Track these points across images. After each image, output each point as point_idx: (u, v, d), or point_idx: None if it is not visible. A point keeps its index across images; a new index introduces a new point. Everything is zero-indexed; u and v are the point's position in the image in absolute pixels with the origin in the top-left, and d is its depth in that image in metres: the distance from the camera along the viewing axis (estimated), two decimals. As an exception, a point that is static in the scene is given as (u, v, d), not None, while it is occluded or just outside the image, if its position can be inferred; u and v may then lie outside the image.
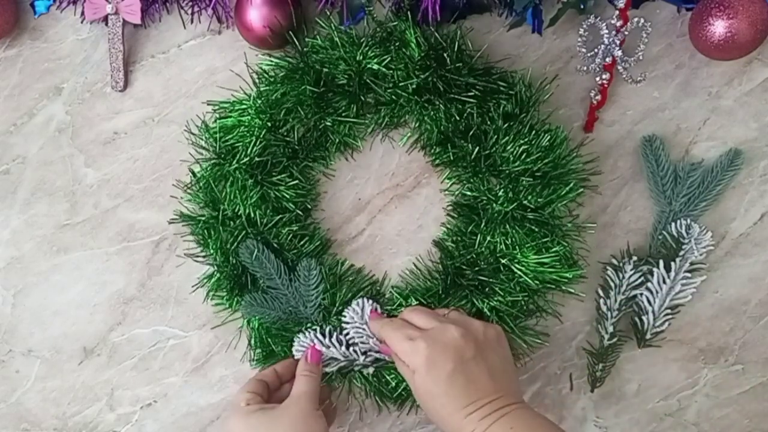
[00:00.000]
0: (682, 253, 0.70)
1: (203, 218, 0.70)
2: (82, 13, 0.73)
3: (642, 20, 0.66)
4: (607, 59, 0.68)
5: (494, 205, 0.67)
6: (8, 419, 0.78)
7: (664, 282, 0.70)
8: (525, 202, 0.66)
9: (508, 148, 0.66)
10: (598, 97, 0.70)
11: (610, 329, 0.72)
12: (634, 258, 0.71)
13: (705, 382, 0.75)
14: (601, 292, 0.72)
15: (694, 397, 0.75)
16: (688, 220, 0.70)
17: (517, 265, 0.68)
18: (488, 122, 0.67)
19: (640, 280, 0.71)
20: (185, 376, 0.77)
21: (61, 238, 0.76)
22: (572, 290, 0.69)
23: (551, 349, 0.75)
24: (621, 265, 0.72)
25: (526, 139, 0.66)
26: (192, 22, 0.73)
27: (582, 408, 0.76)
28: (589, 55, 0.68)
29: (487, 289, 0.69)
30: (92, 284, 0.76)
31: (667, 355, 0.74)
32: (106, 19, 0.71)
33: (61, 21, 0.74)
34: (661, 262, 0.70)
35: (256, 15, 0.67)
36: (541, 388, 0.76)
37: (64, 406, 0.78)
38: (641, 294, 0.71)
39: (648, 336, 0.72)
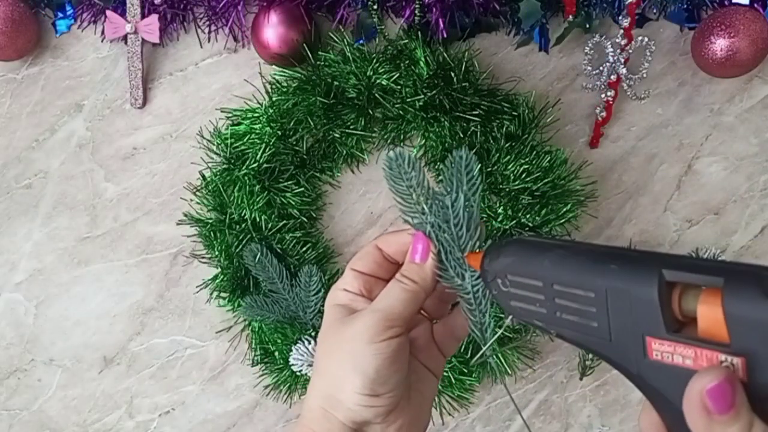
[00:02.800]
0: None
1: (210, 221, 0.72)
2: (102, 33, 0.75)
3: (646, 39, 0.68)
4: (612, 77, 0.69)
5: (494, 222, 0.69)
6: (31, 426, 0.80)
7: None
8: (524, 220, 0.68)
9: (510, 167, 0.67)
10: (604, 114, 0.71)
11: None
12: None
13: (707, 390, 0.76)
14: None
15: (697, 405, 0.77)
16: (715, 249, 0.72)
17: None
18: (491, 141, 0.68)
19: None
20: (202, 384, 0.78)
21: (82, 250, 0.78)
22: None
23: (557, 358, 0.77)
24: None
25: (526, 159, 0.67)
26: (209, 40, 0.74)
27: (588, 416, 0.78)
28: (594, 72, 0.70)
29: None
30: (112, 295, 0.78)
31: (671, 364, 0.76)
32: (125, 38, 0.73)
33: (82, 40, 0.76)
34: None
35: (272, 33, 0.69)
36: (548, 396, 0.77)
37: (84, 414, 0.80)
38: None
39: None
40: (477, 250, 0.41)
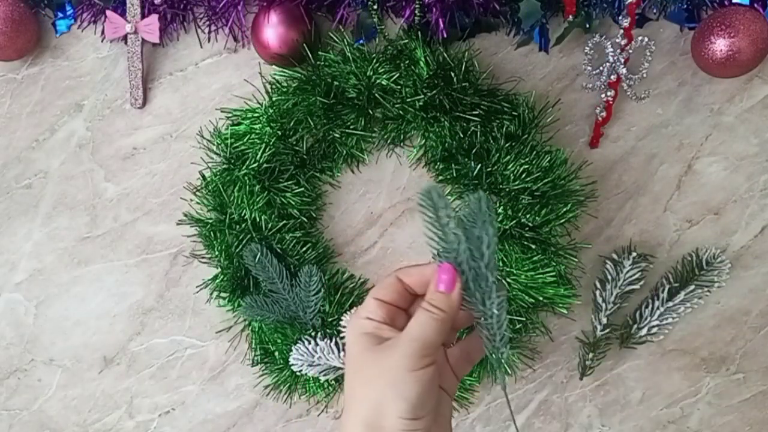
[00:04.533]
0: (701, 280, 0.72)
1: (210, 221, 0.72)
2: (102, 32, 0.75)
3: (646, 39, 0.68)
4: (612, 77, 0.69)
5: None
6: (30, 426, 0.80)
7: (670, 300, 0.72)
8: (524, 220, 0.68)
9: (509, 167, 0.67)
10: (604, 114, 0.71)
11: (604, 321, 0.73)
12: (634, 254, 0.72)
13: (707, 390, 0.77)
14: (598, 284, 0.74)
15: (696, 405, 0.77)
16: (715, 249, 0.72)
17: (511, 282, 0.69)
18: (491, 141, 0.68)
19: (636, 276, 0.72)
20: (202, 384, 0.79)
21: (82, 250, 0.78)
22: (565, 310, 0.71)
23: (557, 358, 0.77)
24: (620, 260, 0.73)
25: (526, 159, 0.67)
26: (209, 40, 0.74)
27: (588, 416, 0.78)
28: (594, 72, 0.70)
29: None
30: (112, 295, 0.78)
31: (671, 364, 0.76)
32: (125, 38, 0.73)
33: (82, 40, 0.76)
34: (667, 289, 0.73)
35: (272, 33, 0.69)
36: (548, 396, 0.77)
37: (84, 414, 0.80)
38: (647, 303, 0.73)
39: (633, 340, 0.74)
40: None
